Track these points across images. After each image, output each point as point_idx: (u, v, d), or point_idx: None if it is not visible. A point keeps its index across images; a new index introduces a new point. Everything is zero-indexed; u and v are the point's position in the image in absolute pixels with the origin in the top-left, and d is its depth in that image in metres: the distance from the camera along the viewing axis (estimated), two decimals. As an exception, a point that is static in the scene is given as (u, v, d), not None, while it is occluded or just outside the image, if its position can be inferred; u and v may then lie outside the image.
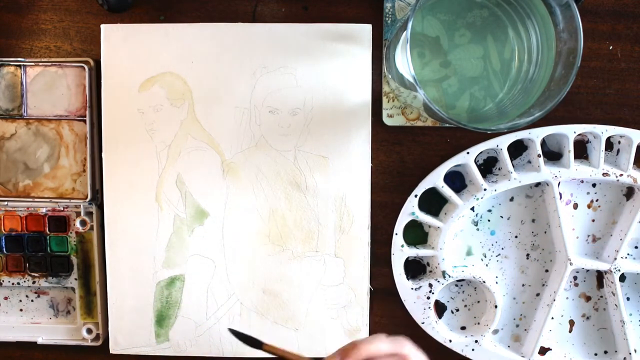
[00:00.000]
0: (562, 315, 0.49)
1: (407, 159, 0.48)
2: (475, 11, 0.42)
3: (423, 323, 0.48)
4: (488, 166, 0.48)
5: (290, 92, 0.46)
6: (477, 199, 0.46)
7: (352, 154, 0.47)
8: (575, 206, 0.48)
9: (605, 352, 0.49)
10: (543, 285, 0.49)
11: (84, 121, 0.47)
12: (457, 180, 0.48)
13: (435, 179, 0.46)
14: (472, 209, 0.48)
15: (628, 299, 0.49)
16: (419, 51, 0.42)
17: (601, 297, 0.49)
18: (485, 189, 0.45)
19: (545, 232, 0.48)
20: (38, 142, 0.47)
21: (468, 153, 0.45)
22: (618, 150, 0.47)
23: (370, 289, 0.48)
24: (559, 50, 0.39)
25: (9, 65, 0.47)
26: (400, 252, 0.47)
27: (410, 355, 0.35)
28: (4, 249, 0.48)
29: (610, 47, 0.46)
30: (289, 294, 0.48)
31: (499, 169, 0.47)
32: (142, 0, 0.47)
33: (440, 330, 0.48)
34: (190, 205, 0.47)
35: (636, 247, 0.48)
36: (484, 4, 0.41)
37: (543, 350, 0.49)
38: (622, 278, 0.48)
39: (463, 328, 0.50)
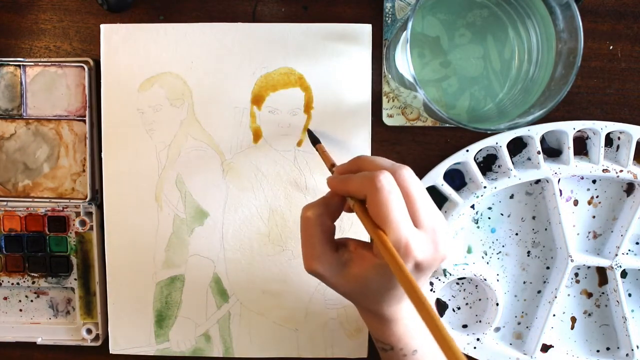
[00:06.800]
0: (564, 312, 0.49)
1: (407, 159, 0.48)
2: (475, 11, 0.42)
3: (424, 322, 0.48)
4: (488, 164, 0.48)
5: (290, 92, 0.46)
6: (477, 197, 0.46)
7: (352, 154, 0.46)
8: (576, 203, 0.48)
9: (608, 348, 0.49)
10: (544, 282, 0.49)
11: (84, 121, 0.47)
12: (457, 178, 0.48)
13: (435, 177, 0.46)
14: (472, 206, 0.48)
15: (630, 295, 0.49)
16: (419, 51, 0.42)
17: (603, 293, 0.49)
18: (485, 187, 0.46)
19: (545, 229, 0.48)
20: (37, 142, 0.47)
21: (467, 151, 0.45)
22: (618, 147, 0.47)
23: (371, 288, 0.48)
24: (559, 50, 0.39)
25: (9, 65, 0.46)
26: (401, 250, 0.47)
27: (406, 176, 0.31)
28: (4, 249, 0.48)
29: (611, 47, 0.46)
30: (288, 294, 0.48)
31: (499, 167, 0.47)
32: (141, 0, 0.47)
33: (442, 329, 0.48)
34: (190, 205, 0.47)
35: (637, 243, 0.48)
36: (484, 4, 0.41)
37: (545, 348, 0.49)
38: (624, 274, 0.48)
39: (465, 326, 0.50)
